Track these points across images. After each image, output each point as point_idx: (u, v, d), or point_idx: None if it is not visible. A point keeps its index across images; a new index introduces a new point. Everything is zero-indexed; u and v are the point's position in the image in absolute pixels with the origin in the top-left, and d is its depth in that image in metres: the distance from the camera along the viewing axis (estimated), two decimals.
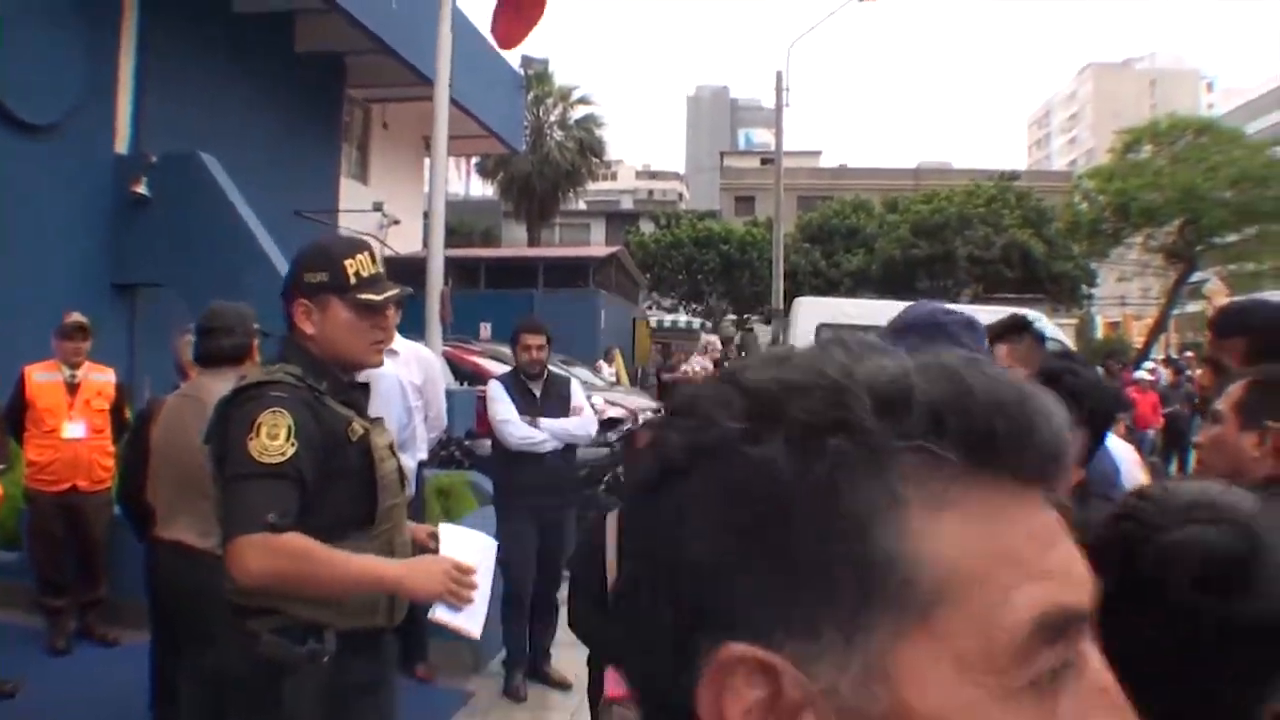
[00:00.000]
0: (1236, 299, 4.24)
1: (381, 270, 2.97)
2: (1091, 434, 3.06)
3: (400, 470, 3.01)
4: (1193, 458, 2.82)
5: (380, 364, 3.11)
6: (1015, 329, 3.95)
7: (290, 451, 2.61)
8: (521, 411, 6.42)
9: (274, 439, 2.61)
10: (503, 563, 6.34)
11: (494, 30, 10.53)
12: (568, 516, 6.64)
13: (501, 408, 6.40)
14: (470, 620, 2.94)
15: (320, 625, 2.73)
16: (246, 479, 2.60)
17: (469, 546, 3.04)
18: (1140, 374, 20.13)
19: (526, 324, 6.72)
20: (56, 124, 10.11)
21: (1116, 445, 3.74)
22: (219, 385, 4.54)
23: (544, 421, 6.43)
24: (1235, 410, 2.58)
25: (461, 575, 2.82)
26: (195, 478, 4.48)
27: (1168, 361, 27.52)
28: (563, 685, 6.47)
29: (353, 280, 2.86)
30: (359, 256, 2.89)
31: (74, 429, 6.81)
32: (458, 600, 2.81)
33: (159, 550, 4.72)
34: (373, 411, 3.03)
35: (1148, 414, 17.08)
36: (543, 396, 6.55)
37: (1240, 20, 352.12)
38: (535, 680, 6.56)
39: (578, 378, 16.54)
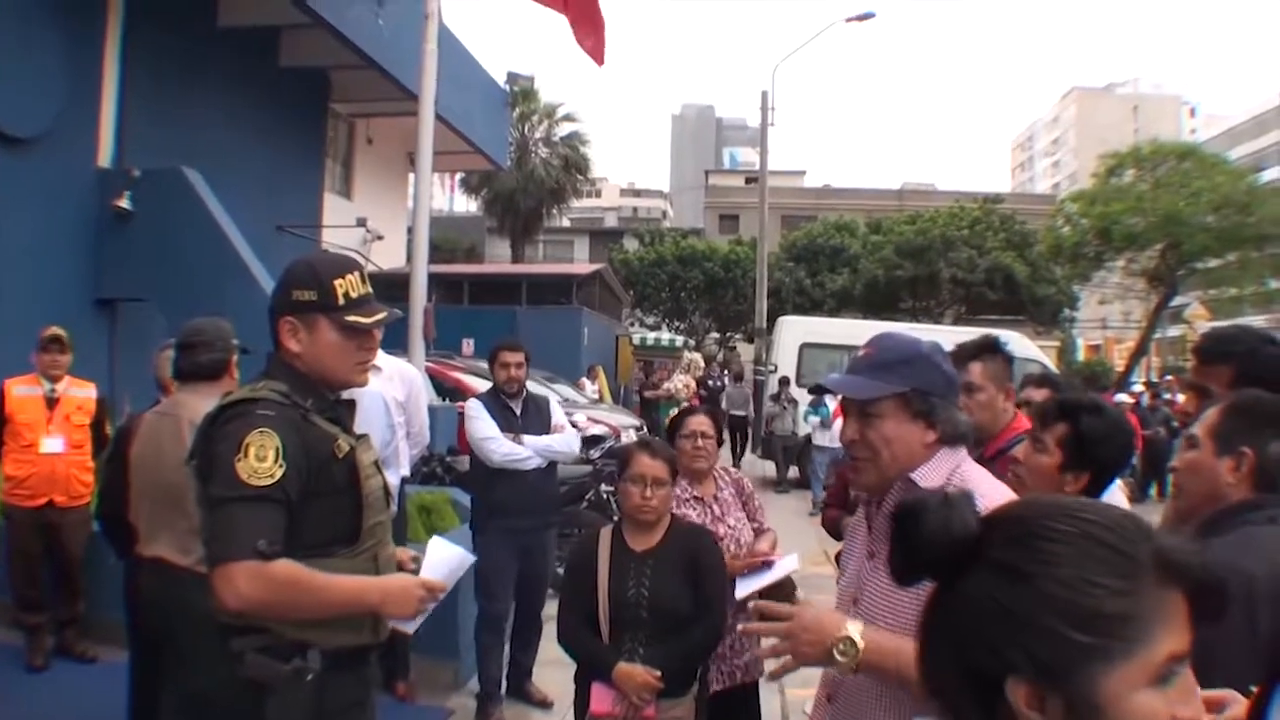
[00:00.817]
0: (1220, 325, 4.29)
1: (370, 291, 2.95)
2: (1096, 478, 3.05)
3: (385, 487, 3.00)
4: (1171, 481, 2.83)
5: (366, 384, 3.09)
6: (987, 349, 4.08)
7: (279, 474, 2.60)
8: (503, 430, 6.32)
9: (263, 461, 2.59)
10: (480, 584, 6.33)
11: (584, 46, 10.55)
12: (548, 536, 6.56)
13: (482, 425, 6.31)
14: (411, 622, 2.99)
15: (305, 644, 2.72)
16: (235, 502, 2.58)
17: (450, 562, 3.05)
18: (1121, 398, 20.20)
19: (505, 342, 6.64)
20: (38, 137, 10.06)
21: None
22: (196, 402, 4.53)
23: (528, 439, 6.36)
24: (1211, 435, 2.59)
25: (432, 596, 2.87)
26: (173, 496, 4.47)
27: (1147, 385, 27.64)
28: (543, 704, 6.43)
29: (341, 301, 2.84)
30: (349, 277, 2.88)
31: (52, 444, 6.76)
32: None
33: (141, 568, 4.68)
34: (356, 428, 3.02)
35: None
36: (523, 415, 6.49)
37: (1223, 48, 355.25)
38: (516, 698, 6.52)
39: (560, 395, 16.56)
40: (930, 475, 2.44)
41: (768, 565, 4.28)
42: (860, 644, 2.25)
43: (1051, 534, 1.17)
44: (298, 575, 2.61)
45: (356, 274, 2.92)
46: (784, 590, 4.43)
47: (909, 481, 2.45)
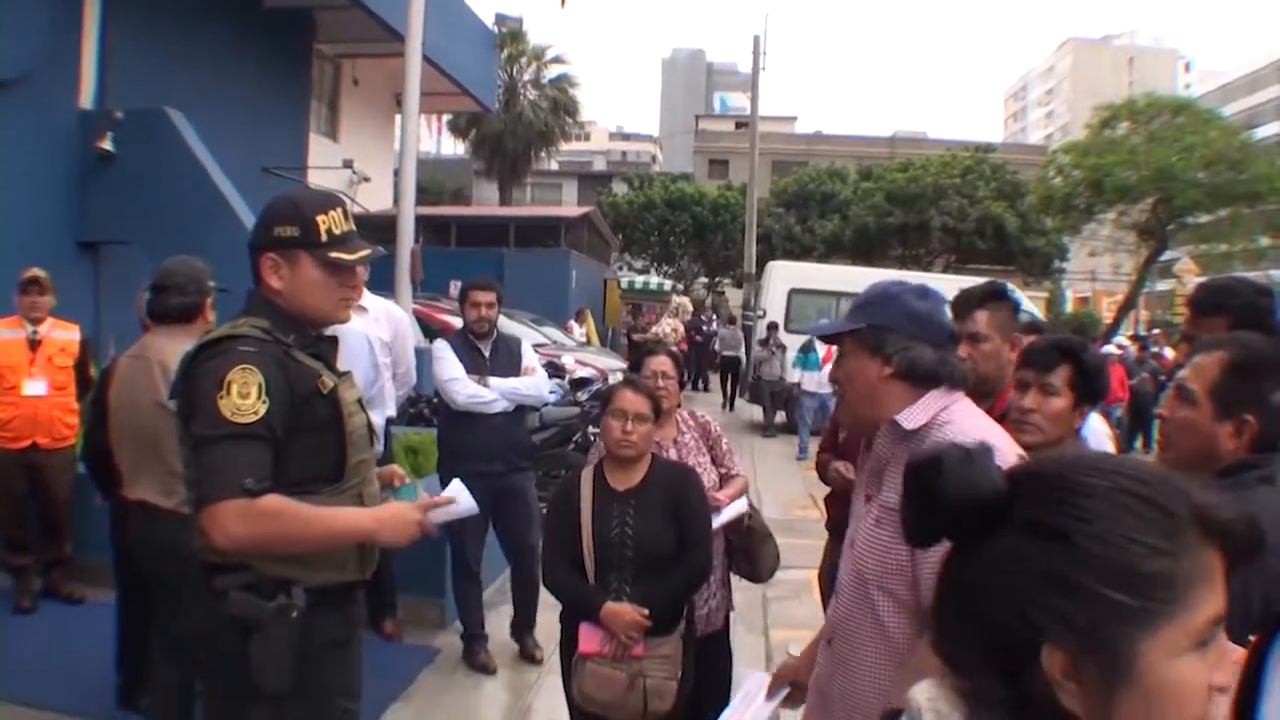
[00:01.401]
0: (1215, 277, 4.25)
1: (353, 228, 2.93)
2: (1089, 408, 3.19)
3: (369, 425, 2.99)
4: (1156, 429, 2.82)
5: (348, 320, 3.07)
6: (993, 296, 4.00)
7: (262, 410, 2.59)
8: (469, 371, 6.20)
9: (245, 397, 2.58)
10: (450, 530, 6.32)
11: None
12: (523, 484, 6.41)
13: (447, 366, 6.18)
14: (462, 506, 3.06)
15: (289, 581, 2.72)
16: (219, 440, 2.56)
17: (459, 508, 3.06)
18: (1109, 349, 20.24)
19: (475, 281, 6.45)
20: (19, 79, 9.90)
21: (1091, 420, 3.78)
22: (166, 344, 4.52)
23: (494, 381, 6.20)
24: (1210, 395, 2.49)
25: (426, 528, 2.89)
26: (148, 438, 4.47)
27: (1134, 338, 27.69)
28: (533, 660, 6.37)
29: (324, 237, 2.82)
30: (332, 213, 2.85)
31: (35, 386, 6.72)
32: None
33: (128, 511, 4.68)
34: (339, 367, 3.00)
35: (1115, 389, 17.19)
36: (491, 356, 6.32)
37: (1221, 3, 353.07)
38: (516, 653, 6.47)
39: (548, 338, 16.55)
40: (915, 415, 2.45)
41: (715, 511, 4.26)
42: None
43: (1088, 489, 1.12)
44: (287, 509, 2.60)
45: (340, 210, 2.89)
46: (737, 528, 4.46)
47: (894, 424, 2.46)
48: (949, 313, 2.60)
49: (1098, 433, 3.91)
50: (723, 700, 4.46)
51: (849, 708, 2.49)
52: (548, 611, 5.40)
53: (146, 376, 4.60)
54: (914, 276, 10.04)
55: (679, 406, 4.64)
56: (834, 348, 9.21)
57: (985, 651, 1.16)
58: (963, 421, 2.40)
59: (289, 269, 2.81)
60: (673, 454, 4.42)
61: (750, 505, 4.55)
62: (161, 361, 4.54)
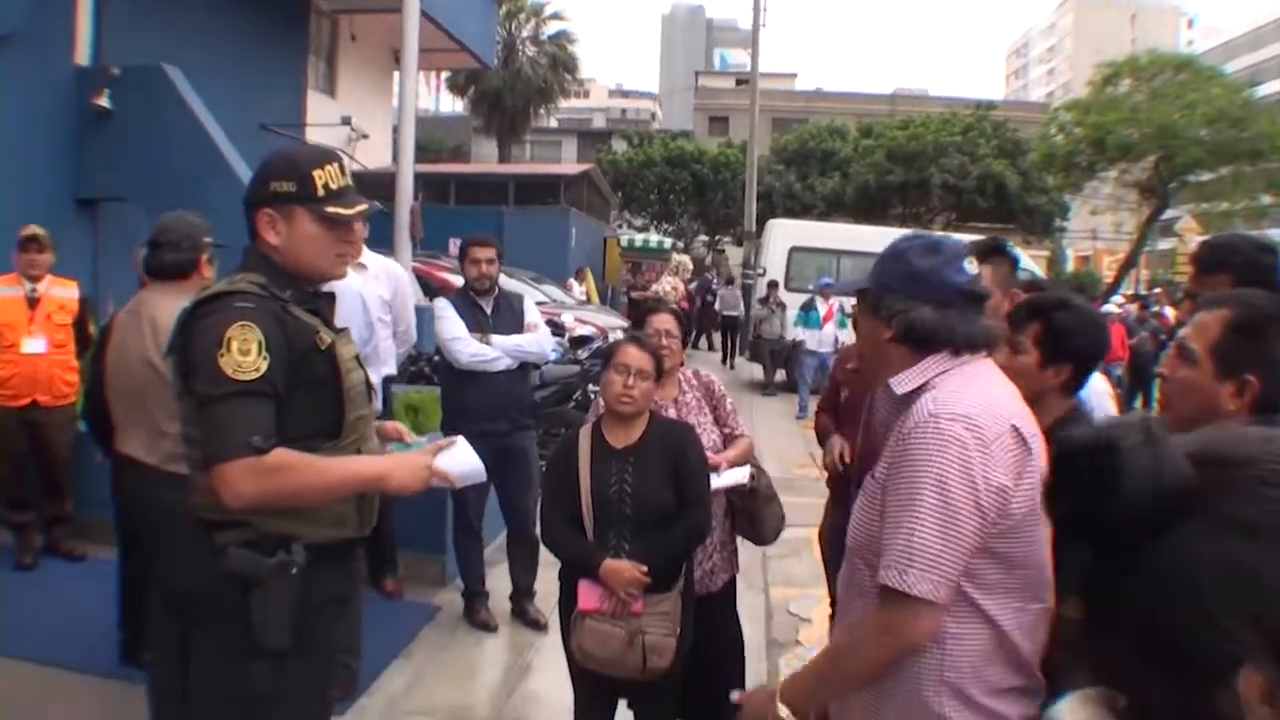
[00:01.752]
0: (1218, 234, 4.23)
1: (349, 182, 2.93)
2: (1078, 368, 3.09)
3: (367, 381, 3.00)
4: (1156, 388, 2.80)
5: (344, 276, 3.07)
6: (994, 251, 3.98)
7: (264, 366, 2.59)
8: (471, 329, 6.15)
9: (246, 354, 2.58)
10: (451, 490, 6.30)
11: None
12: (525, 442, 6.38)
13: (449, 325, 6.13)
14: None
15: (289, 537, 2.73)
16: (223, 399, 2.56)
17: (465, 464, 3.04)
18: (1108, 308, 20.22)
19: (475, 238, 6.40)
20: (13, 34, 9.80)
21: (1092, 379, 3.77)
22: (160, 300, 4.52)
23: (496, 339, 6.17)
24: (1211, 355, 2.45)
25: (439, 478, 2.91)
26: (139, 394, 4.49)
27: (1134, 297, 27.66)
28: (536, 626, 6.33)
29: (321, 192, 2.82)
30: (328, 168, 2.85)
31: (34, 344, 6.72)
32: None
33: (119, 465, 4.69)
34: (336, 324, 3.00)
35: (1116, 347, 17.17)
36: (494, 313, 6.28)
37: None
38: (513, 617, 6.47)
39: (547, 296, 16.52)
40: (907, 380, 2.37)
41: (714, 471, 4.23)
42: (781, 709, 2.33)
43: None
44: (296, 463, 2.62)
45: (336, 165, 2.89)
46: (740, 490, 4.44)
47: (887, 388, 2.41)
48: (969, 268, 2.43)
49: (1099, 392, 3.90)
50: (730, 663, 4.51)
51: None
52: (547, 569, 5.42)
53: (137, 333, 4.61)
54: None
55: (682, 365, 4.62)
56: (834, 306, 9.29)
57: (1148, 668, 1.01)
58: (945, 388, 2.28)
59: (286, 224, 2.80)
60: (672, 413, 4.40)
61: (756, 466, 4.52)
62: (153, 318, 4.54)
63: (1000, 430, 2.20)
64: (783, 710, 2.33)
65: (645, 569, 3.70)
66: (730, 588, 4.53)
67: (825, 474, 5.26)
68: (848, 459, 4.73)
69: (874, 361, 2.47)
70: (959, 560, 2.15)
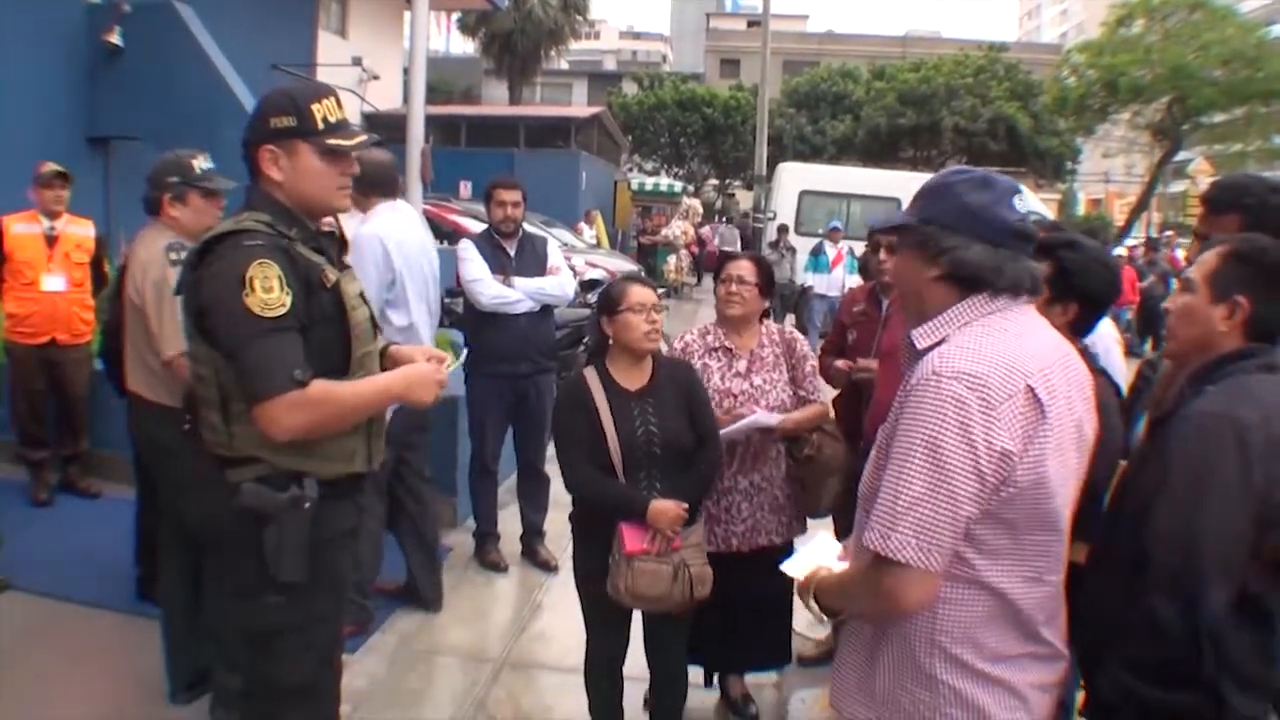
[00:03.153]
0: (1230, 174, 4.24)
1: (345, 115, 2.96)
2: (1085, 309, 3.11)
3: (371, 318, 3.04)
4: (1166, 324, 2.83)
5: (348, 208, 3.10)
6: None
7: (289, 301, 2.65)
8: (495, 271, 6.18)
9: (269, 291, 2.62)
10: (472, 428, 6.35)
11: None
12: (545, 383, 6.42)
13: (472, 267, 6.16)
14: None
15: (301, 473, 2.78)
16: (258, 338, 2.61)
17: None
18: (1119, 251, 20.14)
19: (500, 180, 6.41)
20: None
21: (1100, 324, 3.79)
22: (138, 240, 4.59)
23: (519, 281, 6.19)
24: (1207, 280, 2.58)
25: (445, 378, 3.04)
26: (134, 331, 4.52)
27: (1147, 240, 27.55)
28: (546, 567, 6.41)
29: (321, 125, 2.85)
30: (325, 101, 2.89)
31: (53, 281, 6.76)
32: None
33: (129, 402, 4.75)
34: (354, 269, 3.05)
35: (1125, 291, 17.14)
36: (517, 256, 6.31)
37: None
38: (523, 558, 6.55)
39: (557, 239, 16.50)
40: (928, 332, 2.26)
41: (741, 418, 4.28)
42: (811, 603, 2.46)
43: None
44: (333, 391, 2.71)
45: (333, 99, 2.92)
46: (800, 444, 4.47)
47: (909, 339, 2.30)
48: (1018, 205, 2.30)
49: (1105, 337, 3.92)
50: (776, 613, 4.56)
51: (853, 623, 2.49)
52: (556, 509, 5.47)
53: (127, 272, 4.65)
54: (922, 178, 9.99)
55: (765, 317, 4.60)
56: (843, 250, 9.26)
57: None
58: (957, 342, 2.17)
59: (288, 159, 2.84)
60: (738, 365, 4.46)
61: (828, 433, 4.53)
62: (136, 257, 4.59)
63: (1011, 390, 2.09)
64: (813, 605, 2.42)
65: (685, 506, 3.78)
66: (782, 550, 4.42)
67: (836, 419, 5.31)
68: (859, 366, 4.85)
69: (914, 302, 2.34)
70: (952, 526, 2.08)
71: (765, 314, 4.60)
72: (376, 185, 5.11)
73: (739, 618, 4.42)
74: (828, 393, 4.83)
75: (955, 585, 2.17)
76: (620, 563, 3.79)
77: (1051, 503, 2.16)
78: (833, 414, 5.28)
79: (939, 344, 2.20)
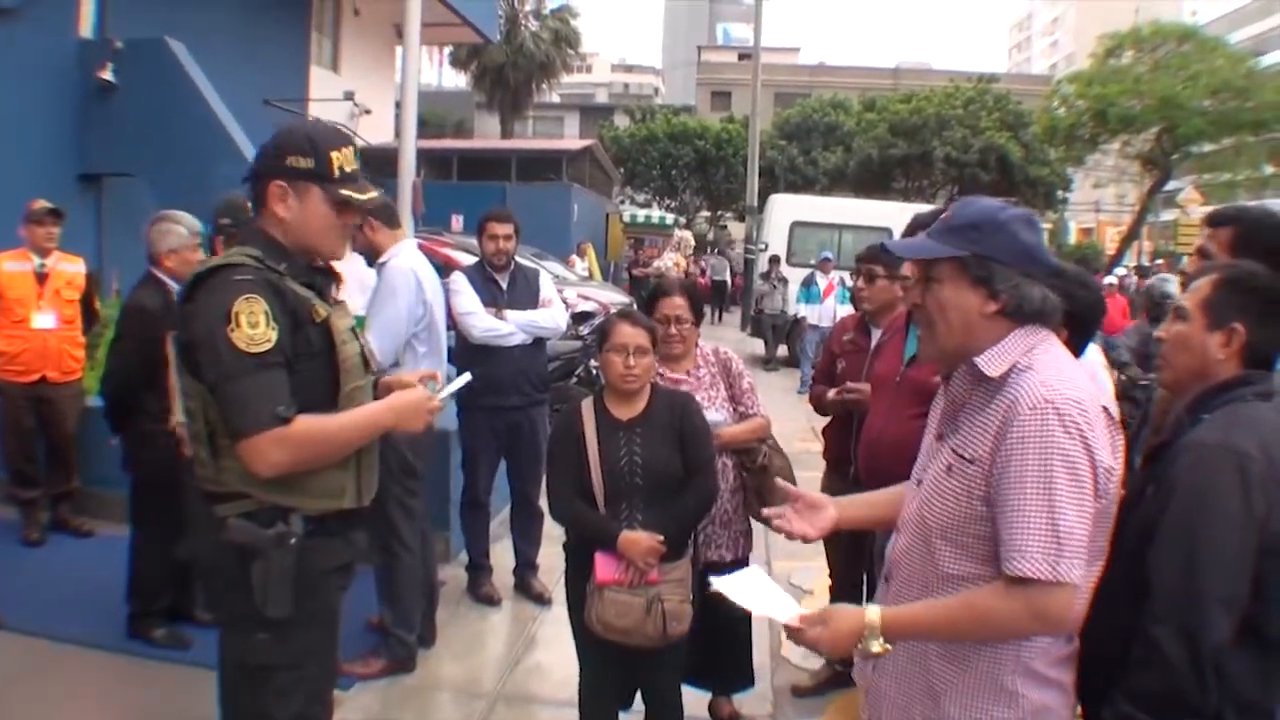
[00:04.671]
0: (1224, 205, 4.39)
1: (359, 168, 2.97)
2: (1075, 334, 3.11)
3: (364, 353, 3.04)
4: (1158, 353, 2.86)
5: (343, 257, 3.10)
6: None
7: (274, 337, 2.65)
8: (487, 304, 6.15)
9: (255, 327, 2.63)
10: (463, 462, 6.34)
11: None
12: (537, 415, 6.40)
13: (465, 300, 6.12)
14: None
15: (288, 509, 2.78)
16: (242, 375, 2.61)
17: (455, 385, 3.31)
18: (1109, 280, 20.21)
19: (493, 213, 6.40)
20: (17, 7, 9.78)
21: (1087, 350, 3.80)
22: None
23: (511, 314, 6.17)
24: (1202, 308, 2.59)
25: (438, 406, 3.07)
26: None
27: (1138, 269, 27.64)
28: (540, 600, 6.38)
29: (336, 173, 2.86)
30: (344, 150, 2.90)
31: (43, 319, 6.74)
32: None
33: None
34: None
35: (1116, 319, 17.15)
36: (509, 288, 6.29)
37: None
38: (517, 591, 6.53)
39: (549, 271, 16.52)
40: (996, 360, 2.31)
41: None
42: (878, 625, 2.27)
43: None
44: (316, 427, 2.70)
45: (350, 149, 2.94)
46: (752, 455, 4.47)
47: (972, 366, 2.33)
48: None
49: (1094, 364, 3.93)
50: (736, 639, 4.55)
51: (902, 658, 2.46)
52: (550, 542, 5.45)
53: None
54: (916, 209, 10.05)
55: (698, 343, 4.62)
56: (834, 280, 9.24)
57: None
58: (1045, 371, 2.24)
59: (297, 199, 2.84)
60: (682, 387, 4.44)
61: (775, 449, 4.56)
62: None
63: (1099, 411, 2.22)
64: (879, 644, 2.29)
65: (661, 538, 3.73)
66: (734, 566, 4.42)
67: (824, 446, 5.32)
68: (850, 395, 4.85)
69: (960, 333, 2.35)
70: (1089, 543, 2.18)
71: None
72: (392, 219, 5.19)
73: (695, 636, 4.37)
74: (818, 417, 4.81)
75: None
76: (593, 592, 3.80)
77: (1113, 509, 2.31)
78: (822, 441, 5.31)
79: (1013, 370, 2.27)
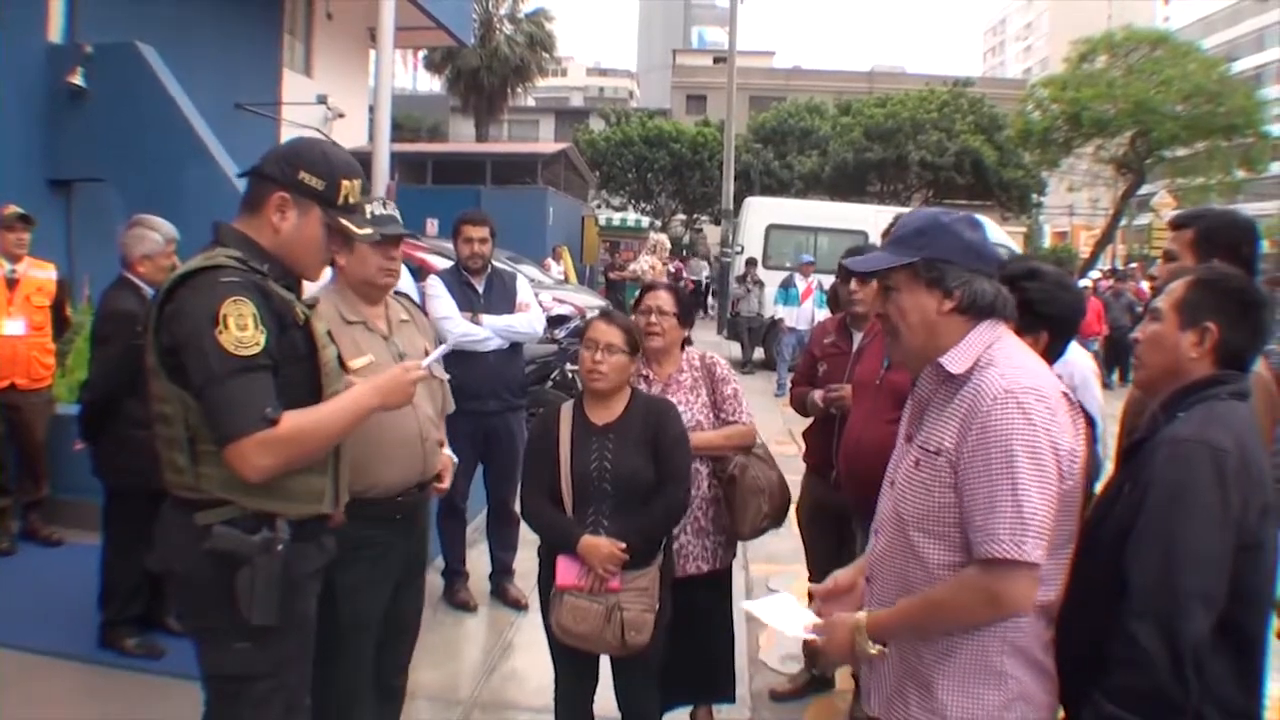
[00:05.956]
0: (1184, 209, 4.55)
1: (361, 201, 3.01)
2: (1055, 335, 3.16)
3: (340, 357, 3.05)
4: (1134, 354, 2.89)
5: (318, 279, 3.17)
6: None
7: (263, 340, 2.63)
8: (463, 308, 6.08)
9: (243, 329, 2.60)
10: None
11: None
12: (514, 420, 6.35)
13: (441, 304, 6.04)
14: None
15: (272, 515, 2.75)
16: (230, 377, 2.58)
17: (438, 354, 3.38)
18: (1083, 283, 20.30)
19: (468, 215, 6.34)
20: None
21: (1077, 356, 3.82)
22: None
23: (487, 319, 6.12)
24: (1175, 308, 2.62)
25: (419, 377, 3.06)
26: None
27: (1112, 273, 27.79)
28: (516, 606, 6.36)
29: (342, 201, 2.88)
30: (354, 182, 2.93)
31: (13, 326, 6.65)
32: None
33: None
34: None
35: (1092, 322, 17.25)
36: (486, 292, 6.24)
37: None
38: (493, 597, 6.50)
39: (525, 275, 16.54)
40: (960, 358, 2.44)
41: None
42: (864, 626, 2.47)
43: None
44: (304, 423, 2.68)
45: (359, 181, 2.97)
46: (723, 464, 4.44)
47: (938, 366, 2.47)
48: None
49: (1083, 368, 3.94)
50: (718, 648, 4.54)
51: (893, 648, 2.54)
52: (527, 548, 5.42)
53: None
54: (891, 212, 10.07)
55: (685, 344, 4.59)
56: (812, 283, 9.29)
57: None
58: (1005, 364, 2.38)
59: (297, 215, 2.83)
60: (657, 389, 4.40)
61: (759, 456, 4.51)
62: None
63: (1059, 398, 2.37)
64: (873, 647, 2.47)
65: (623, 546, 3.70)
66: (711, 578, 4.49)
67: (804, 450, 5.30)
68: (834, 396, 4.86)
69: (922, 334, 2.50)
70: (1051, 525, 2.29)
71: (686, 341, 4.59)
72: None
73: (671, 648, 4.33)
74: (795, 419, 4.80)
75: None
76: (554, 595, 3.79)
77: (1078, 493, 2.43)
78: (803, 444, 5.29)
79: (975, 367, 2.42)
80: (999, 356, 2.41)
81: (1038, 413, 2.28)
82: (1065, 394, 2.41)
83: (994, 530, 2.26)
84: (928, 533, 2.44)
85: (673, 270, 28.78)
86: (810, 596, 3.05)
